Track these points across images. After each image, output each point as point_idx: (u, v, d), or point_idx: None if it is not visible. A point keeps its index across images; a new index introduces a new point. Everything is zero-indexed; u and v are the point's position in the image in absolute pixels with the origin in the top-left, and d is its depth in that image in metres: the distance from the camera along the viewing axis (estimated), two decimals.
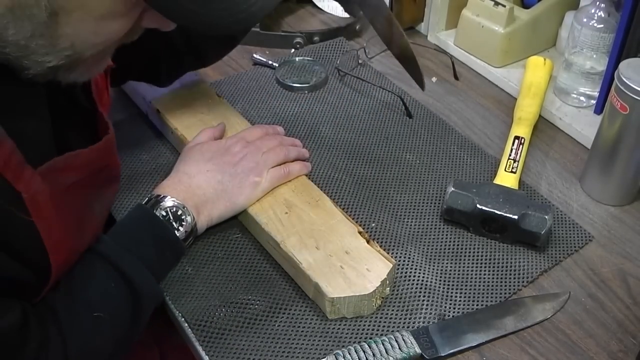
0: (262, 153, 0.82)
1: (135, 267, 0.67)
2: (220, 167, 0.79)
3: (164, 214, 0.72)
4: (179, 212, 0.73)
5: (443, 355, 0.68)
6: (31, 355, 0.59)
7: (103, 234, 0.70)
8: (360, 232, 0.76)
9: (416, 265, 0.77)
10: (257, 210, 0.79)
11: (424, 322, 0.71)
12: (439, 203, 0.86)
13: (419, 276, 0.76)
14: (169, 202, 0.73)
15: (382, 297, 0.73)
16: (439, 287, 0.75)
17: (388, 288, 0.74)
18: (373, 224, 0.82)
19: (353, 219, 0.79)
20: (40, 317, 0.61)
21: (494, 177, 0.87)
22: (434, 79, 1.09)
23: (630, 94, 0.78)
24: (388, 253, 0.75)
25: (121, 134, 0.94)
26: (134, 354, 0.81)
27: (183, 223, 0.73)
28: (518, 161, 0.88)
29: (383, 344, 0.67)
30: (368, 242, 0.75)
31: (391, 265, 0.73)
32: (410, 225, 0.83)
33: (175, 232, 0.72)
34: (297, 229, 0.77)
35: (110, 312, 0.65)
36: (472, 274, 0.77)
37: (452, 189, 0.81)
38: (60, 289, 0.65)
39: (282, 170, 0.83)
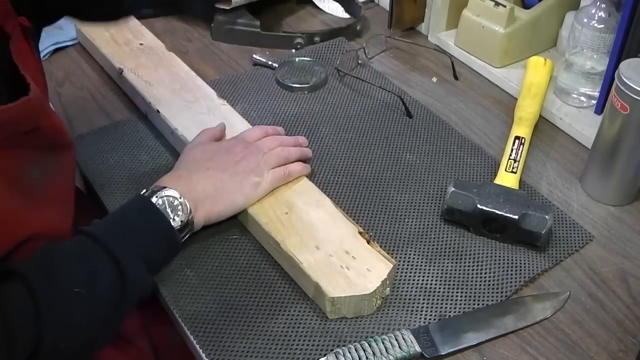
0: (263, 154, 0.82)
1: (125, 250, 0.67)
2: (221, 166, 0.79)
3: (160, 202, 0.72)
4: (175, 202, 0.73)
5: (443, 354, 0.68)
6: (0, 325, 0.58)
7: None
8: (360, 233, 0.76)
9: (417, 265, 0.77)
10: (257, 210, 0.79)
11: (424, 322, 0.71)
12: (439, 203, 0.86)
13: (419, 276, 0.76)
14: (165, 192, 0.73)
15: (382, 297, 0.73)
16: (440, 287, 0.75)
17: (388, 288, 0.74)
18: (374, 226, 0.82)
19: (353, 219, 0.79)
20: (10, 290, 0.60)
21: (495, 177, 0.87)
22: (434, 79, 1.09)
23: (631, 94, 0.78)
24: (388, 253, 0.75)
25: (121, 134, 0.96)
26: (125, 353, 0.81)
27: (179, 212, 0.73)
28: (518, 161, 0.88)
29: (383, 343, 0.67)
30: (368, 242, 0.75)
31: (391, 266, 0.73)
32: (411, 225, 0.83)
33: (171, 221, 0.72)
34: (298, 229, 0.77)
35: (93, 292, 0.64)
36: (472, 274, 0.77)
37: (453, 189, 0.81)
38: (37, 262, 0.63)
39: (282, 171, 0.82)
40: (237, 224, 0.81)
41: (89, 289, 0.64)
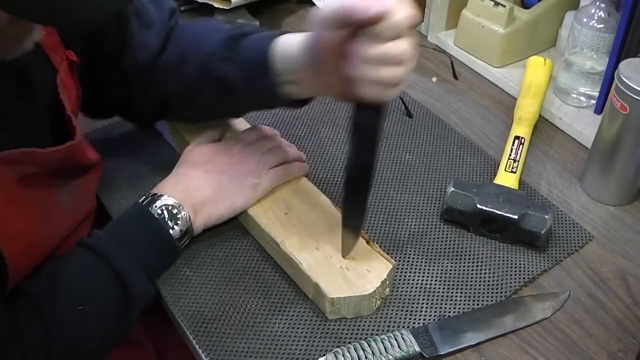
0: (261, 154, 0.82)
1: (127, 262, 0.67)
2: (219, 169, 0.79)
3: (159, 212, 0.72)
4: (175, 211, 0.73)
5: (442, 354, 0.68)
6: (13, 348, 0.59)
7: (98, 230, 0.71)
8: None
9: (416, 266, 0.77)
10: (256, 211, 0.79)
11: (424, 322, 0.71)
12: (439, 203, 0.86)
13: (419, 276, 0.76)
14: (164, 201, 0.73)
15: (382, 298, 0.73)
16: (439, 287, 0.75)
17: (388, 288, 0.74)
18: (373, 226, 0.82)
19: None
20: (21, 310, 0.61)
21: (494, 177, 0.87)
22: (434, 79, 1.09)
23: (630, 94, 0.78)
24: (388, 253, 0.75)
25: (121, 134, 0.96)
26: (129, 353, 0.81)
27: (178, 222, 0.73)
28: (518, 161, 0.88)
29: (382, 343, 0.67)
30: (368, 242, 0.75)
31: (391, 266, 0.73)
32: (410, 225, 0.83)
33: (170, 230, 0.72)
34: (297, 229, 0.77)
35: (97, 307, 0.65)
36: (472, 274, 0.77)
37: (452, 188, 0.81)
38: (44, 280, 0.64)
39: (280, 171, 0.82)
40: (237, 224, 0.81)
41: (94, 305, 0.65)
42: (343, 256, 0.73)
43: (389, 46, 0.59)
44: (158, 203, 0.73)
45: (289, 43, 0.69)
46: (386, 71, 0.61)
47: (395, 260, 0.74)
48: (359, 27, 0.59)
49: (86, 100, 0.79)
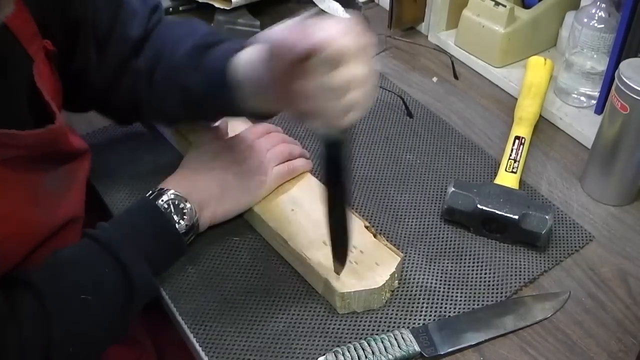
0: (267, 151, 0.82)
1: (131, 254, 0.67)
2: (226, 166, 0.80)
3: (165, 206, 0.72)
4: (181, 205, 0.73)
5: (442, 353, 0.68)
6: (13, 335, 0.59)
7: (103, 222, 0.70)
8: (366, 227, 0.76)
9: (417, 265, 0.78)
10: (263, 208, 0.80)
11: (424, 322, 0.71)
12: (439, 203, 0.86)
13: (419, 276, 0.76)
14: (171, 195, 0.73)
15: (392, 290, 0.73)
16: (440, 288, 0.75)
17: (397, 281, 0.74)
18: (374, 226, 0.82)
19: None
20: (20, 296, 0.61)
21: (495, 177, 0.87)
22: (434, 79, 1.09)
23: (631, 94, 0.78)
24: None
25: (121, 134, 0.96)
26: (129, 350, 0.81)
27: (184, 216, 0.73)
28: (518, 161, 0.88)
29: (382, 342, 0.67)
30: (375, 236, 0.75)
31: (399, 258, 0.73)
32: (411, 225, 0.83)
33: (176, 224, 0.72)
34: (304, 225, 0.77)
35: (99, 297, 0.65)
36: (472, 274, 0.77)
37: (453, 189, 0.81)
38: (45, 270, 0.64)
39: (286, 167, 0.83)
40: (240, 222, 0.81)
41: (96, 294, 0.65)
42: (337, 273, 0.71)
43: (330, 77, 0.56)
44: (164, 197, 0.73)
45: (248, 59, 0.68)
46: (332, 102, 0.57)
47: (402, 254, 0.74)
48: (294, 63, 0.56)
49: (66, 93, 0.78)
